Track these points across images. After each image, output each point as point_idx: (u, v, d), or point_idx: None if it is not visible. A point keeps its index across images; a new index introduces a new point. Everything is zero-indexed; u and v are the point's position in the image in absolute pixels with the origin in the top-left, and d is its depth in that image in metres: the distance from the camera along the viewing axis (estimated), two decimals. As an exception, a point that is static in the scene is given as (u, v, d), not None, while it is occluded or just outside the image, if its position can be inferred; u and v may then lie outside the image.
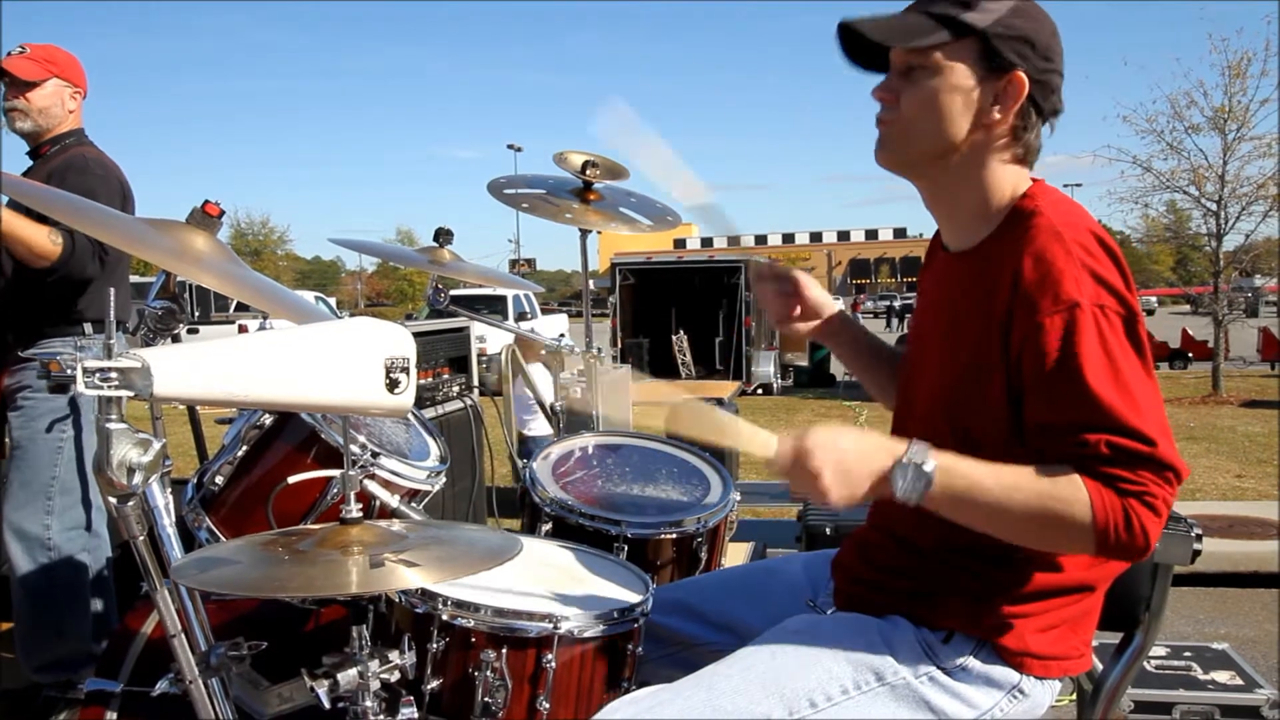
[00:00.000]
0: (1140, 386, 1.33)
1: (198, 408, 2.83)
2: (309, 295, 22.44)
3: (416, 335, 3.54)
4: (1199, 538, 1.61)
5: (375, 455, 1.78)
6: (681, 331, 16.35)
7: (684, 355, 16.11)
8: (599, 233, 2.89)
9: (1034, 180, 1.53)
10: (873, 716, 1.45)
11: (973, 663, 1.48)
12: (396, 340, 1.25)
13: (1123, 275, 1.38)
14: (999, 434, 1.43)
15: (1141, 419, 1.30)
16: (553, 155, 2.77)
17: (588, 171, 2.73)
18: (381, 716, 1.42)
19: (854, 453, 1.36)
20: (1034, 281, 1.36)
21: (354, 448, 1.74)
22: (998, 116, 1.45)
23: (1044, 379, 1.35)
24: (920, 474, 1.34)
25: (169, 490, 1.45)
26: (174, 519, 1.43)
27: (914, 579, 1.54)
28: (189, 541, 1.80)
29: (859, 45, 1.50)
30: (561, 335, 3.27)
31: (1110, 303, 1.34)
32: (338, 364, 1.21)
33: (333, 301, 29.90)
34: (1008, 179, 1.50)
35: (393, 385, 1.24)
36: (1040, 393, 1.37)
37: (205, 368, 1.10)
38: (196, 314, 17.82)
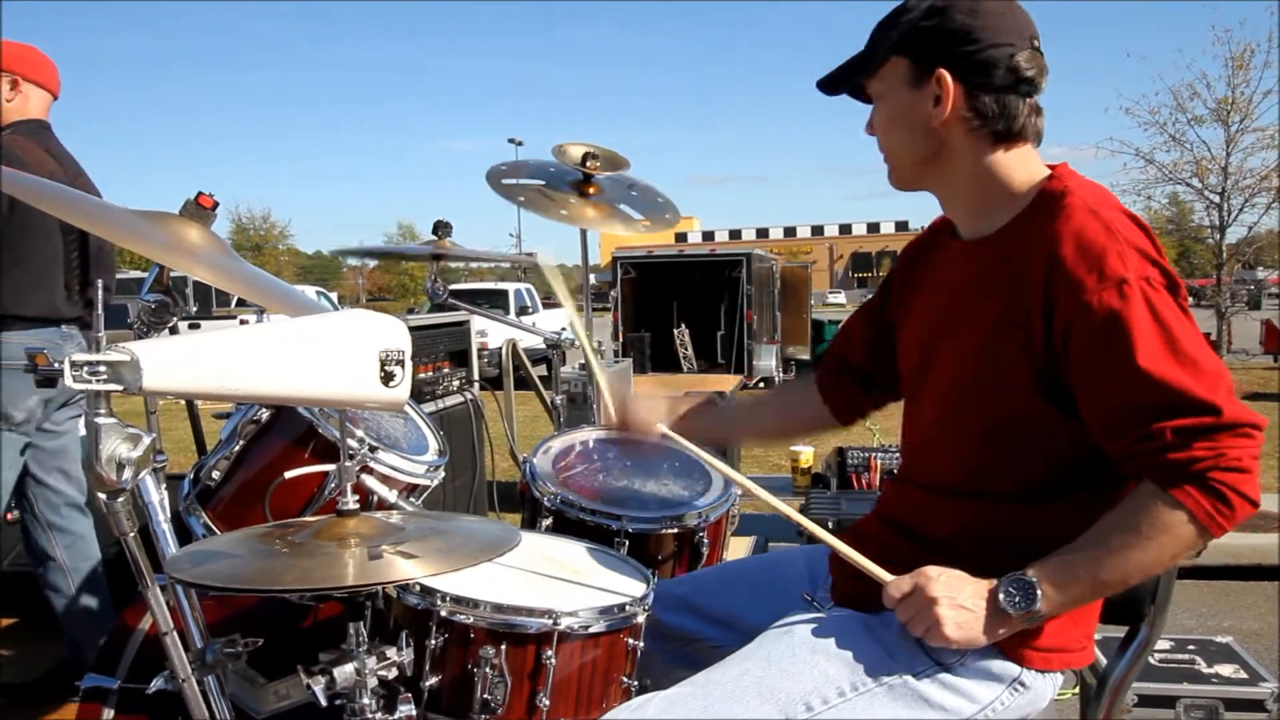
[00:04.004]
0: (1198, 349, 1.31)
1: (196, 402, 2.81)
2: (310, 290, 22.45)
3: (416, 329, 3.56)
4: (1206, 531, 1.59)
5: (373, 449, 1.76)
6: (683, 325, 16.31)
7: (685, 349, 16.07)
8: (599, 231, 2.86)
9: (1056, 165, 1.52)
10: (871, 716, 1.43)
11: (971, 656, 1.46)
12: (391, 333, 1.23)
13: (1156, 247, 1.37)
14: (1026, 415, 1.43)
15: (1205, 385, 1.29)
16: (551, 148, 2.74)
17: (588, 164, 2.71)
18: (379, 714, 1.40)
19: (970, 592, 1.40)
20: (1076, 261, 1.34)
21: (352, 442, 1.72)
22: (947, 114, 1.47)
23: (1098, 360, 1.34)
24: (1022, 585, 1.37)
25: (164, 486, 1.43)
26: (169, 515, 1.41)
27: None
28: (187, 537, 1.79)
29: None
30: (563, 329, 3.25)
31: (1154, 274, 1.33)
32: (331, 357, 1.19)
33: (334, 296, 29.87)
34: (1014, 162, 1.49)
35: (387, 378, 1.22)
36: (1096, 376, 1.35)
37: (195, 361, 1.08)
38: (196, 308, 17.78)
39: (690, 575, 2.08)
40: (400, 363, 1.22)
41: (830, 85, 1.60)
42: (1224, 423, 1.28)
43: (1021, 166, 1.49)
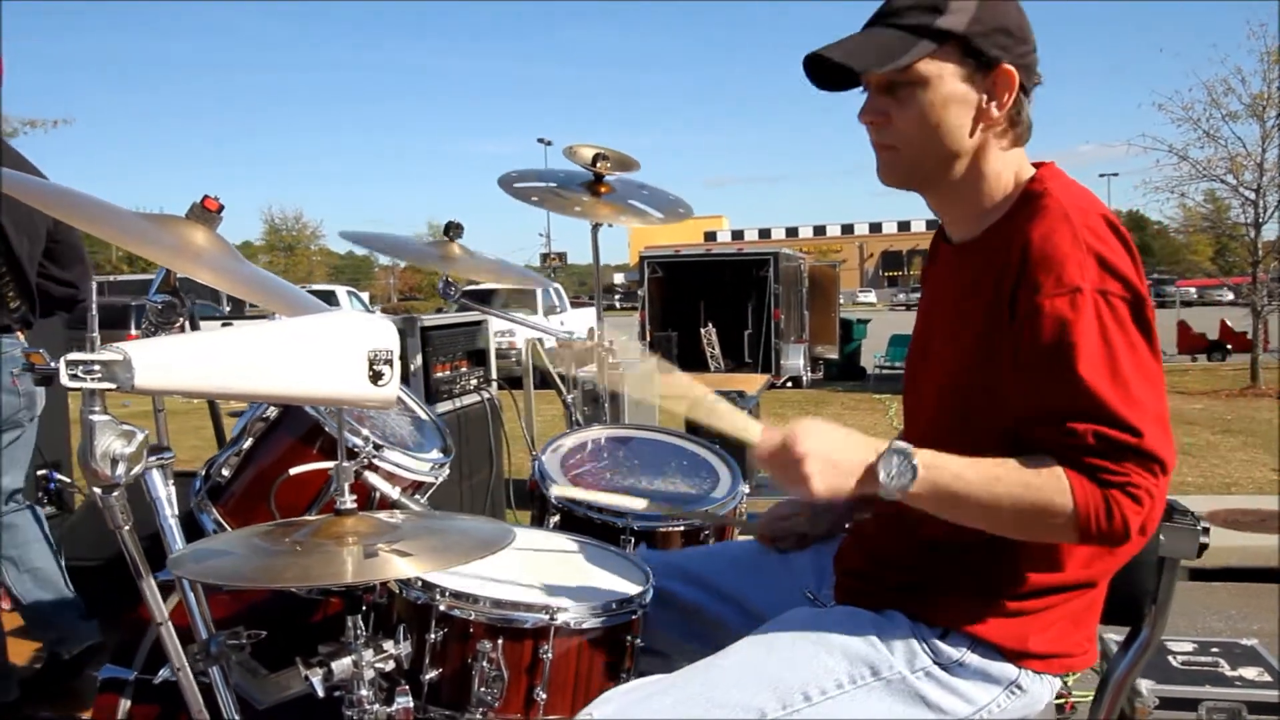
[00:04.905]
0: (1137, 374, 1.31)
1: (218, 401, 2.86)
2: (342, 290, 22.67)
3: (434, 329, 3.59)
4: (1205, 531, 1.58)
5: (378, 448, 1.79)
6: (710, 324, 16.31)
7: (712, 348, 16.05)
8: (611, 225, 2.88)
9: (1042, 164, 1.51)
10: (867, 711, 1.44)
11: (970, 658, 1.47)
12: (380, 333, 1.26)
13: (1132, 260, 1.36)
14: (1007, 416, 1.41)
15: (1131, 409, 1.29)
16: (563, 149, 2.77)
17: (598, 164, 2.73)
18: (377, 705, 1.43)
19: (840, 444, 1.38)
20: (1039, 261, 1.34)
21: (357, 440, 1.76)
22: (996, 113, 1.44)
23: (1037, 362, 1.34)
24: (906, 463, 1.35)
25: (171, 482, 1.47)
26: (175, 510, 1.45)
27: (912, 572, 1.53)
28: (198, 532, 1.83)
29: (826, 69, 1.46)
30: (590, 329, 3.26)
31: (1114, 288, 1.32)
32: (321, 356, 1.22)
33: (365, 296, 30.09)
34: (1009, 164, 1.49)
35: (376, 377, 1.24)
36: (1032, 375, 1.36)
37: (187, 360, 1.11)
38: (229, 308, 18.04)
39: (702, 549, 2.10)
40: (389, 362, 1.25)
41: (842, 66, 1.43)
42: (1141, 447, 1.28)
43: (1013, 169, 1.49)
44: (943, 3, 1.40)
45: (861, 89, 1.50)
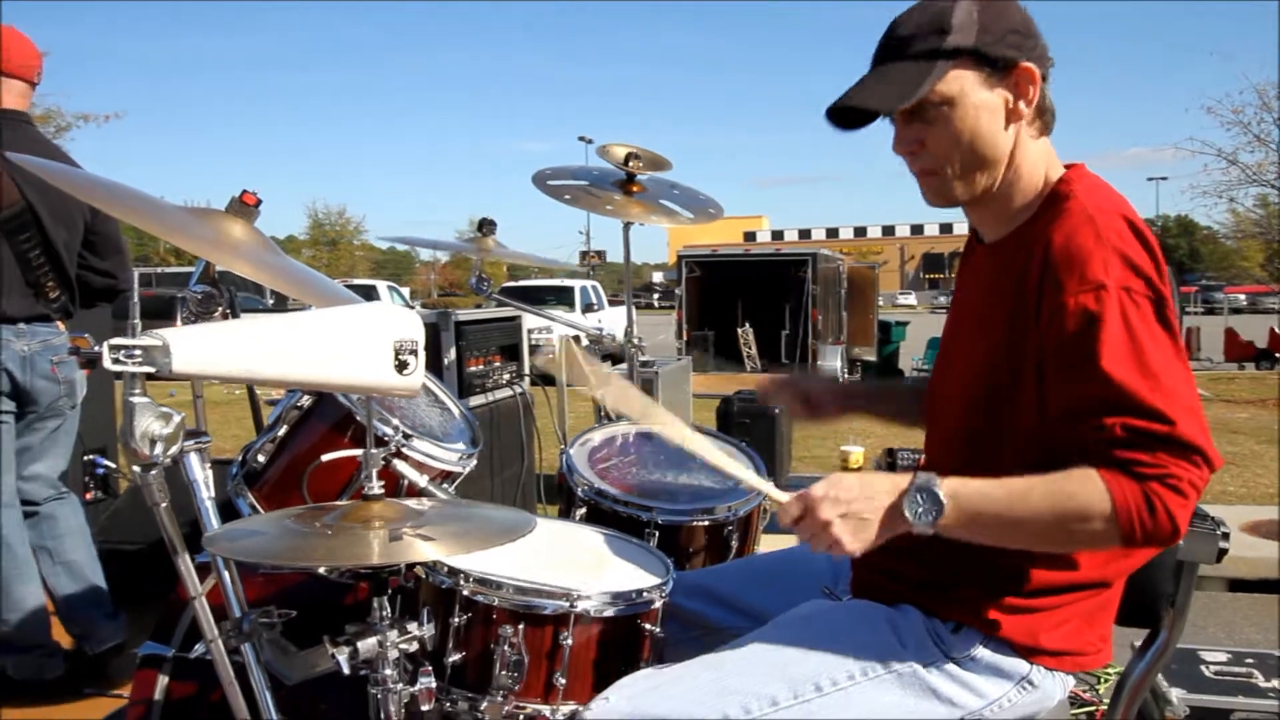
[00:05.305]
0: (1165, 367, 1.31)
1: (256, 389, 2.93)
2: (383, 285, 22.95)
3: (468, 323, 3.65)
4: (1225, 536, 1.57)
5: (407, 437, 1.84)
6: (747, 324, 16.28)
7: (749, 348, 16.03)
8: (642, 224, 2.91)
9: (1072, 166, 1.52)
10: (879, 703, 1.46)
11: (982, 652, 1.48)
12: (405, 324, 1.31)
13: (1154, 261, 1.36)
14: (1031, 418, 1.43)
15: (1161, 398, 1.28)
16: (596, 148, 2.81)
17: (630, 164, 2.77)
18: (400, 685, 1.48)
19: (860, 497, 1.38)
20: (1062, 261, 1.35)
21: (387, 429, 1.81)
22: (1025, 110, 1.45)
23: (1065, 358, 1.35)
24: (932, 497, 1.35)
25: (209, 465, 1.53)
26: (212, 492, 1.51)
27: (928, 568, 1.55)
28: (236, 516, 1.89)
29: (847, 112, 1.48)
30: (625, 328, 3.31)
31: (1138, 286, 1.33)
32: (348, 345, 1.27)
33: (406, 291, 30.39)
34: (1040, 158, 1.50)
35: (401, 367, 1.29)
36: (1060, 372, 1.36)
37: (221, 346, 1.17)
38: (273, 301, 18.36)
39: (715, 566, 2.13)
40: (414, 352, 1.30)
41: (861, 109, 1.46)
42: (1174, 435, 1.27)
43: (1042, 164, 1.50)
44: (947, 22, 1.42)
45: (885, 119, 1.50)
